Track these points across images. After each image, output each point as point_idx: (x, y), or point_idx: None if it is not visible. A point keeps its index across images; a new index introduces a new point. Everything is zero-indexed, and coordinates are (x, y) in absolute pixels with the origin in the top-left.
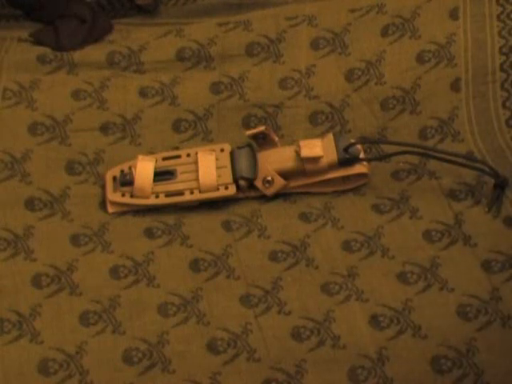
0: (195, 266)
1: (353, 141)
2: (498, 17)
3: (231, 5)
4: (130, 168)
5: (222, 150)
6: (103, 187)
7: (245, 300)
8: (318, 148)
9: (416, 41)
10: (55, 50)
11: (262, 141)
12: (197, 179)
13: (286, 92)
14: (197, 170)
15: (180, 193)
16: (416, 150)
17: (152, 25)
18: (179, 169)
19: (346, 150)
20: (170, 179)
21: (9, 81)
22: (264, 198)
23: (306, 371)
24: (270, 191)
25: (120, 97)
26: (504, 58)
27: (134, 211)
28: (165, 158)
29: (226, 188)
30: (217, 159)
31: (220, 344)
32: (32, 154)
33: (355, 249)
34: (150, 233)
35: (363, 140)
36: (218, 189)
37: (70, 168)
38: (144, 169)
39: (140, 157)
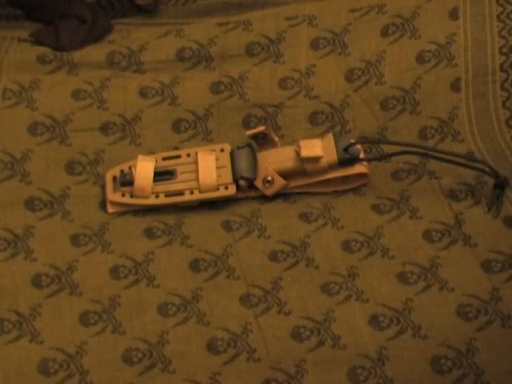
0: (195, 265)
1: (353, 141)
2: (498, 17)
3: (231, 5)
4: (130, 168)
5: (222, 150)
6: (103, 187)
7: (245, 300)
8: (318, 148)
9: (416, 41)
10: (55, 50)
11: (262, 141)
12: (197, 179)
13: (286, 92)
14: (197, 170)
15: (180, 193)
16: (416, 149)
17: (152, 25)
18: (179, 169)
19: (346, 149)
20: (170, 179)
21: (9, 81)
22: (264, 198)
23: (305, 371)
24: (270, 191)
25: (120, 97)
26: (504, 57)
27: (134, 211)
28: (165, 158)
29: (226, 188)
30: (217, 159)
31: (220, 344)
32: (32, 154)
33: (355, 249)
34: (149, 233)
35: (363, 140)
36: (218, 189)
37: (70, 168)
38: (144, 169)
39: (140, 157)
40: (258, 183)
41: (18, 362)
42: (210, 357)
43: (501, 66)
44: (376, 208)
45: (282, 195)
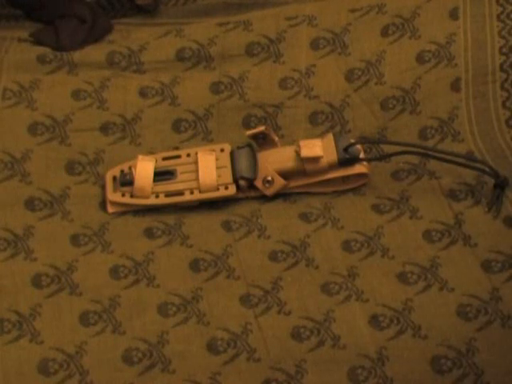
0: (195, 266)
1: (353, 141)
2: (498, 17)
3: (231, 5)
4: (130, 168)
5: (222, 150)
6: (103, 187)
7: (245, 300)
8: (318, 148)
9: (416, 41)
10: (55, 50)
11: (262, 141)
12: (197, 179)
13: (286, 92)
14: (197, 170)
15: (180, 193)
16: (416, 149)
17: (152, 25)
18: (179, 169)
19: (345, 149)
20: (170, 179)
21: (9, 81)
22: (264, 198)
23: (305, 371)
24: (270, 191)
25: (120, 97)
26: (504, 57)
27: (134, 211)
28: (165, 158)
29: (226, 188)
30: (217, 159)
31: (220, 344)
32: (32, 154)
33: (355, 249)
34: (149, 233)
35: (363, 140)
36: (218, 189)
37: (70, 168)
38: (144, 169)
39: (140, 157)
40: (258, 183)
41: (18, 362)
42: (210, 357)
43: (501, 66)
44: (376, 208)
45: (282, 195)
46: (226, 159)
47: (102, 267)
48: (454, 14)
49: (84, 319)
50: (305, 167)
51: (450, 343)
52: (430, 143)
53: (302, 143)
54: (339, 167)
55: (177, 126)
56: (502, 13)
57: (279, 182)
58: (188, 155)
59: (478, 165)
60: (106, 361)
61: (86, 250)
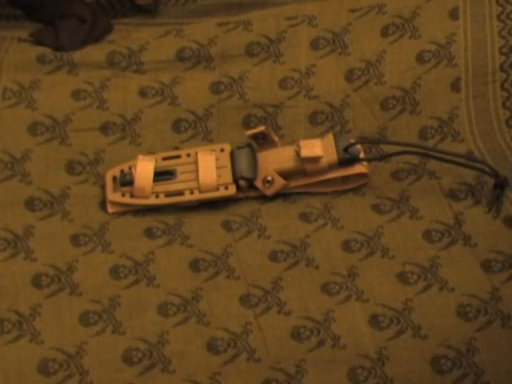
0: (195, 266)
1: (353, 141)
2: (498, 17)
3: (231, 5)
4: (130, 168)
5: (222, 150)
6: (103, 187)
7: (245, 300)
8: (317, 148)
9: (416, 41)
10: (55, 50)
11: (262, 141)
12: (197, 179)
13: (286, 92)
14: (197, 170)
15: (180, 193)
16: (416, 149)
17: (152, 25)
18: (179, 169)
19: (345, 149)
20: (170, 179)
21: (9, 81)
22: (264, 198)
23: (305, 371)
24: (270, 191)
25: (120, 97)
26: (504, 57)
27: (134, 211)
28: (165, 158)
29: (226, 188)
30: (217, 159)
31: (220, 344)
32: (32, 154)
33: (355, 249)
34: (149, 233)
35: (363, 140)
36: (218, 189)
37: (70, 168)
38: (144, 169)
39: (140, 157)
40: (258, 183)
41: (18, 362)
42: (210, 357)
43: (501, 66)
44: (376, 208)
45: (282, 195)
46: (225, 159)
47: (102, 267)
48: (453, 14)
49: (84, 319)
50: (305, 167)
51: (450, 343)
52: (430, 143)
53: (302, 143)
54: (339, 167)
55: (177, 126)
56: (501, 13)
57: (279, 182)
58: (188, 155)
59: (477, 165)
60: (106, 361)
61: (86, 249)
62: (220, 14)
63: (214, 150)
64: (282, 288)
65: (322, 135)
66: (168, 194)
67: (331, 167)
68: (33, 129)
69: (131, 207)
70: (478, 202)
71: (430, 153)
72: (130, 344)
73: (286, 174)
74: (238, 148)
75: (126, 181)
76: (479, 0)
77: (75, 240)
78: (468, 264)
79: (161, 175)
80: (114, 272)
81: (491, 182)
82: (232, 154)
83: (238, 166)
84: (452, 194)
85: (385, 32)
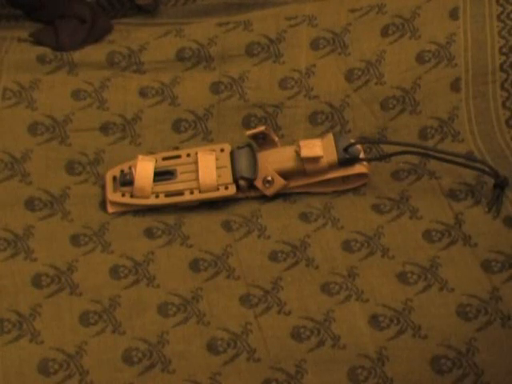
0: (195, 265)
1: (353, 141)
2: (498, 17)
3: (231, 5)
4: (130, 168)
5: (222, 150)
6: (103, 187)
7: (245, 300)
8: (317, 148)
9: (416, 41)
10: (55, 50)
11: (262, 141)
12: (197, 179)
13: (286, 92)
14: (197, 170)
15: (180, 193)
16: (416, 150)
17: (152, 25)
18: (179, 169)
19: (345, 150)
20: (170, 179)
21: (9, 81)
22: (264, 198)
23: (305, 371)
24: (270, 191)
25: (120, 97)
26: (504, 57)
27: (134, 211)
28: (165, 158)
29: (226, 188)
30: (217, 159)
31: (220, 344)
32: (32, 154)
33: (355, 249)
34: (149, 233)
35: (363, 140)
36: (218, 189)
37: (70, 168)
38: (144, 169)
39: (140, 157)
40: (258, 183)
41: (18, 361)
42: (210, 357)
43: (501, 66)
44: (376, 208)
45: (282, 195)
46: (226, 159)
47: (102, 267)
48: (454, 14)
49: (84, 319)
50: (305, 167)
51: (450, 343)
52: (430, 143)
53: (302, 143)
54: (339, 167)
55: (177, 126)
56: (502, 13)
57: (279, 182)
58: (188, 155)
59: (477, 165)
60: (106, 361)
61: (86, 249)
62: (220, 13)
63: (214, 150)
64: (281, 288)
65: (321, 135)
66: (168, 194)
67: (331, 167)
68: (33, 129)
69: (131, 207)
70: (478, 202)
71: (430, 153)
72: (130, 344)
73: (286, 174)
74: (238, 148)
75: (125, 181)
76: (479, 0)
77: (75, 240)
78: (468, 264)
79: (161, 175)
80: (114, 272)
81: (491, 182)
82: (232, 153)
83: (238, 166)
84: (452, 194)
85: (385, 32)
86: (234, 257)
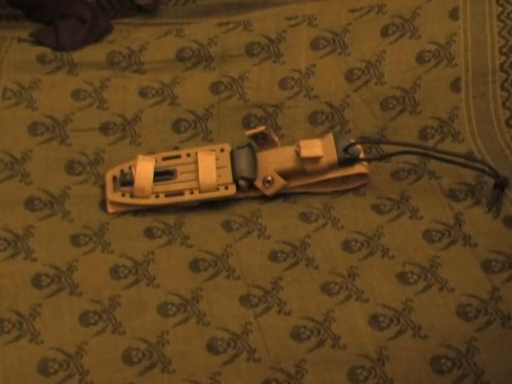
0: (195, 265)
1: (353, 141)
2: (498, 17)
3: (231, 5)
4: (130, 168)
5: (222, 150)
6: (103, 187)
7: (245, 300)
8: (318, 148)
9: (416, 41)
10: (55, 50)
11: (262, 141)
12: (197, 179)
13: (286, 92)
14: (197, 170)
15: (180, 193)
16: (416, 150)
17: (152, 25)
18: (179, 169)
19: (345, 150)
20: (170, 179)
21: (9, 81)
22: (264, 198)
23: (305, 371)
24: (270, 191)
25: (120, 97)
26: (504, 58)
27: (134, 211)
28: (165, 158)
29: (226, 188)
30: (217, 159)
31: (220, 344)
32: (32, 154)
33: (355, 249)
34: (149, 233)
35: (363, 140)
36: (218, 189)
37: (70, 168)
38: (144, 169)
39: (140, 157)
40: (258, 183)
41: (18, 361)
42: (210, 357)
43: (501, 66)
44: (376, 208)
45: (281, 195)
46: (226, 159)
47: (102, 267)
48: (454, 14)
49: (84, 319)
50: (305, 167)
51: (450, 343)
52: (430, 143)
53: (302, 143)
54: (339, 167)
55: (177, 126)
56: (502, 13)
57: (279, 182)
58: (188, 155)
59: (477, 165)
60: (106, 361)
61: (86, 249)
62: (220, 13)
63: (214, 150)
64: (281, 288)
65: (322, 135)
66: (168, 194)
67: (331, 167)
68: (33, 129)
69: (131, 207)
70: (478, 202)
71: (430, 153)
72: (130, 344)
73: (286, 174)
74: (238, 148)
75: (126, 181)
76: (479, 0)
77: (75, 240)
78: (468, 264)
79: (161, 175)
80: (114, 272)
81: (491, 182)
82: (232, 154)
83: (238, 166)
84: (452, 194)
85: (385, 32)
86: (233, 257)
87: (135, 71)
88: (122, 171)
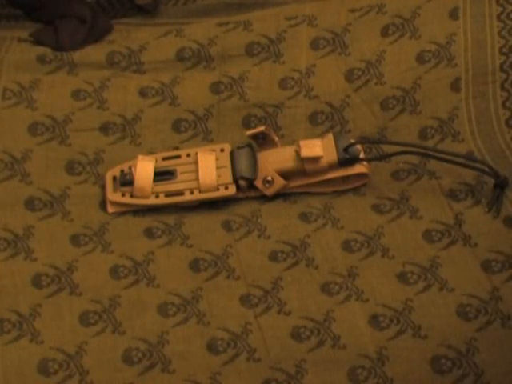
0: (195, 265)
1: (353, 141)
2: (498, 17)
3: (231, 5)
4: (130, 168)
5: (222, 150)
6: (103, 187)
7: (245, 300)
8: (318, 148)
9: (416, 41)
10: (55, 50)
11: (262, 141)
12: (197, 179)
13: (286, 92)
14: (197, 170)
15: (180, 193)
16: (416, 150)
17: (152, 25)
18: (179, 169)
19: (345, 150)
20: (170, 179)
21: (9, 81)
22: (264, 198)
23: (305, 371)
24: (269, 191)
25: (120, 97)
26: (504, 57)
27: (133, 211)
28: (165, 158)
29: (226, 188)
30: (217, 159)
31: (220, 344)
32: (32, 154)
33: (355, 249)
34: (149, 233)
35: (363, 140)
36: (218, 189)
37: (70, 168)
38: (144, 169)
39: (140, 157)
40: (258, 183)
41: (17, 361)
42: (210, 357)
43: (501, 66)
44: (376, 208)
45: (281, 195)
46: (226, 159)
47: (102, 267)
48: (454, 14)
49: (84, 319)
50: (305, 167)
51: (450, 343)
52: (430, 143)
53: (302, 143)
54: (339, 167)
55: (177, 126)
56: (502, 13)
57: (279, 182)
58: (188, 155)
59: (477, 165)
60: (106, 361)
61: (85, 249)
62: (220, 13)
63: (214, 150)
64: (281, 288)
65: (322, 135)
66: (168, 194)
67: (331, 167)
68: (33, 129)
69: (131, 207)
70: (478, 202)
71: (430, 153)
72: (130, 344)
73: (286, 174)
74: (238, 148)
75: (126, 181)
76: (479, 0)
77: (75, 240)
78: (468, 264)
79: (161, 175)
80: (114, 272)
81: (491, 182)
82: (232, 154)
83: (238, 166)
84: (452, 194)
85: (385, 32)
86: (234, 257)
87: (135, 71)
88: (122, 171)
